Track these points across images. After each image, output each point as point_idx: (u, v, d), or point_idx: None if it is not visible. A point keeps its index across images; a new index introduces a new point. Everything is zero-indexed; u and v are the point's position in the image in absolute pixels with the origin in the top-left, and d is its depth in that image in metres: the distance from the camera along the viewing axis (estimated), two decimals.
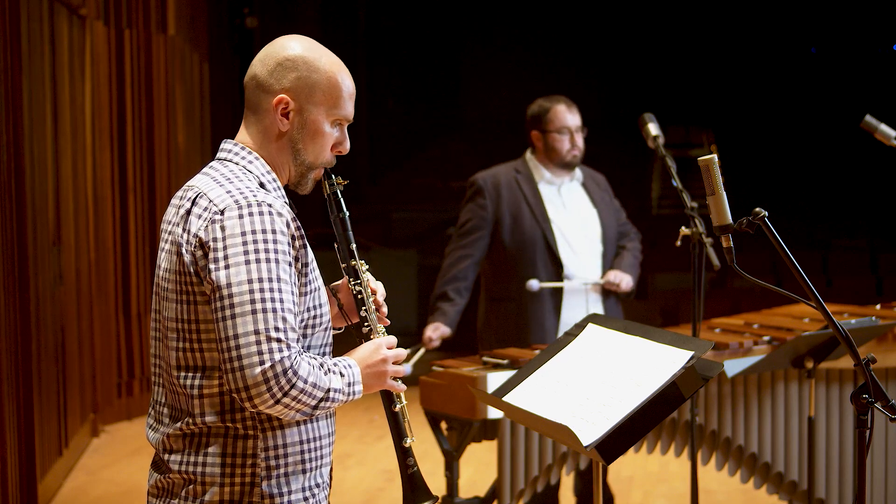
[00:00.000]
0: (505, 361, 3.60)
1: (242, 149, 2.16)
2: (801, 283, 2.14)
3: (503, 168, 4.35)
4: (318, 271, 2.16)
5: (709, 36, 14.23)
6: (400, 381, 2.24)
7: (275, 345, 1.97)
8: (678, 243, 3.50)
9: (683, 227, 3.44)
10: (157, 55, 7.04)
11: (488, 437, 3.65)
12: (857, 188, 12.80)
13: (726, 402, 3.79)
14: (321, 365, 2.06)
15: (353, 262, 2.25)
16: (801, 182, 13.26)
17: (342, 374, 2.09)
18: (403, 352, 2.23)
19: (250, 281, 1.98)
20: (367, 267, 2.28)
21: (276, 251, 2.01)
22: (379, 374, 2.17)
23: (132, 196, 6.96)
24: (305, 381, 2.00)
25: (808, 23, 14.05)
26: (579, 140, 4.25)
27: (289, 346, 1.99)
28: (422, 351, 4.26)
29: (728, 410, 3.79)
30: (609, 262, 4.31)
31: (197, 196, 2.08)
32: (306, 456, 2.12)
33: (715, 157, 2.19)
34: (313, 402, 2.03)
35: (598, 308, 4.24)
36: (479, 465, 5.56)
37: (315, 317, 2.12)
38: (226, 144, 2.19)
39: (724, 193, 2.19)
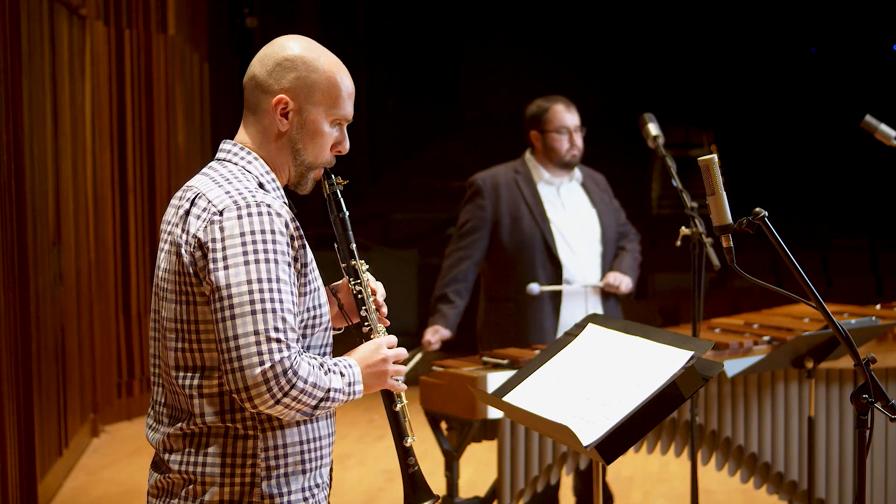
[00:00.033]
0: (505, 361, 3.60)
1: (241, 149, 2.16)
2: (801, 283, 2.14)
3: (502, 168, 4.35)
4: (317, 271, 2.15)
5: (709, 36, 14.23)
6: (401, 381, 2.24)
7: (274, 345, 1.97)
8: (678, 243, 3.50)
9: (683, 227, 3.44)
10: (157, 55, 7.04)
11: (488, 437, 3.65)
12: (857, 188, 12.79)
13: (726, 402, 3.79)
14: (321, 365, 2.06)
15: (353, 262, 2.25)
16: (801, 182, 13.26)
17: (342, 374, 2.09)
18: (404, 351, 2.22)
19: (249, 282, 1.98)
20: (367, 267, 2.28)
21: (275, 251, 2.01)
22: (379, 374, 2.17)
23: (132, 196, 6.96)
24: (305, 381, 2.00)
25: (808, 23, 14.05)
26: (578, 140, 4.25)
27: (288, 347, 1.99)
28: (419, 356, 4.27)
29: (728, 410, 3.79)
30: (608, 263, 4.31)
31: (196, 196, 2.08)
32: (306, 456, 2.12)
33: (715, 157, 2.19)
34: (313, 402, 2.03)
35: (597, 308, 4.24)
36: (479, 465, 5.56)
37: (315, 317, 2.12)
38: (225, 145, 2.19)
39: (724, 193, 2.19)
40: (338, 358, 2.14)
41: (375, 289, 2.29)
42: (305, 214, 2.19)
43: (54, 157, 5.73)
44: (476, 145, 13.25)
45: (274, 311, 1.98)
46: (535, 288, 4.14)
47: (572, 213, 4.29)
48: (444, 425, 3.75)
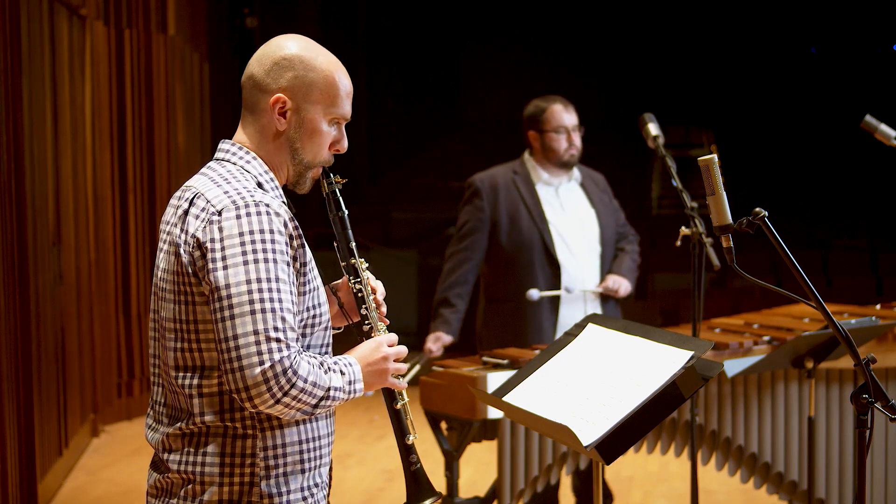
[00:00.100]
0: (505, 361, 3.60)
1: (240, 149, 2.16)
2: (801, 283, 2.14)
3: (501, 169, 4.35)
4: (316, 271, 2.15)
5: (709, 36, 14.22)
6: (401, 379, 2.24)
7: (274, 345, 1.97)
8: (678, 243, 3.50)
9: (683, 227, 3.43)
10: (157, 55, 7.04)
11: (488, 437, 3.65)
12: (857, 188, 12.79)
13: (726, 402, 3.79)
14: (321, 364, 2.06)
15: (353, 261, 2.25)
16: (801, 182, 13.26)
17: (342, 373, 2.09)
18: (404, 349, 2.22)
19: (248, 281, 1.98)
20: (366, 265, 2.28)
21: (274, 251, 2.01)
22: (380, 372, 2.17)
23: (132, 196, 6.96)
24: (305, 381, 2.00)
25: (808, 23, 14.04)
26: (576, 139, 4.25)
27: (288, 346, 1.98)
28: (418, 366, 4.27)
29: (728, 410, 3.79)
30: (607, 264, 4.30)
31: (194, 196, 2.08)
32: (305, 456, 2.12)
33: (715, 157, 2.19)
34: (314, 402, 2.03)
35: (596, 309, 4.24)
36: (479, 465, 5.56)
37: (314, 316, 2.12)
38: (223, 145, 2.19)
39: (724, 193, 2.19)
40: (338, 356, 2.14)
41: (375, 287, 2.29)
42: (305, 214, 2.19)
43: (54, 157, 5.73)
44: (476, 145, 13.25)
45: (273, 310, 1.98)
46: (534, 294, 4.13)
47: (571, 214, 4.29)
48: (444, 425, 3.75)
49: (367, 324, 2.24)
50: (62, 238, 5.85)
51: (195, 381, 2.06)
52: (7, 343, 4.59)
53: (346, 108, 2.19)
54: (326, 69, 2.16)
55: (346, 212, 2.26)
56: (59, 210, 5.81)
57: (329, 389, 2.05)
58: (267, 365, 1.96)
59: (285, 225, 2.05)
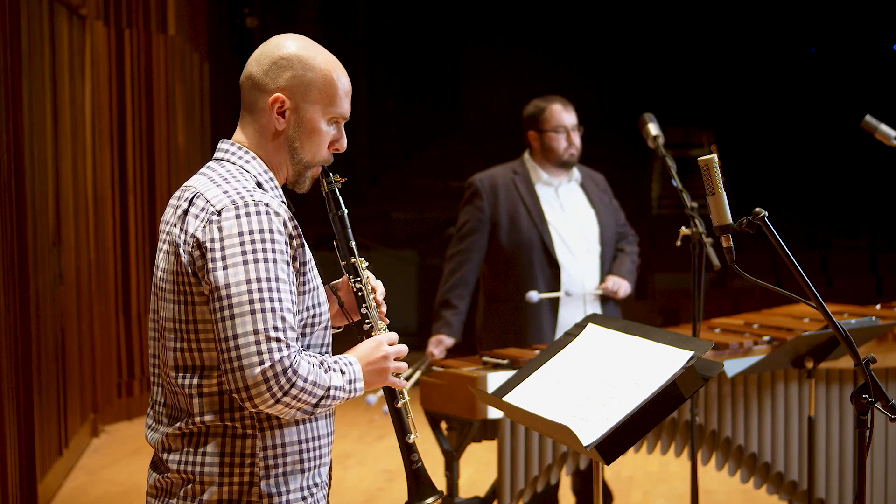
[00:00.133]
0: (505, 361, 3.60)
1: (239, 148, 2.16)
2: (801, 283, 2.14)
3: (501, 169, 4.34)
4: (316, 270, 2.15)
5: (708, 36, 14.23)
6: (402, 378, 2.23)
7: (274, 344, 1.97)
8: (678, 243, 3.50)
9: (683, 227, 3.43)
10: (157, 55, 7.04)
11: (488, 437, 3.65)
12: (857, 188, 12.80)
13: (726, 402, 3.79)
14: (321, 363, 2.06)
15: (353, 260, 2.25)
16: (801, 182, 13.26)
17: (343, 372, 2.09)
18: (405, 348, 2.22)
19: (248, 281, 1.98)
20: (366, 264, 2.28)
21: (273, 251, 2.01)
22: (380, 371, 2.17)
23: (132, 196, 6.96)
24: (305, 380, 2.00)
25: (808, 23, 14.05)
26: (576, 138, 4.25)
27: (288, 346, 1.98)
28: (417, 374, 4.26)
29: (728, 410, 3.79)
30: (607, 263, 4.30)
31: (194, 196, 2.08)
32: (305, 455, 2.12)
33: (715, 157, 2.19)
34: (314, 401, 2.03)
35: (596, 309, 4.24)
36: (479, 465, 5.56)
37: (314, 315, 2.12)
38: (223, 144, 2.19)
39: (724, 193, 2.19)
40: (338, 356, 2.14)
41: (375, 286, 2.29)
42: (304, 213, 2.19)
43: (54, 157, 5.73)
44: (476, 145, 13.26)
45: (273, 310, 1.98)
46: (534, 296, 4.13)
47: (570, 214, 4.29)
48: (444, 425, 3.75)
49: (368, 323, 2.24)
50: (62, 238, 5.85)
51: (195, 381, 2.06)
52: (7, 343, 4.59)
53: (345, 107, 2.19)
54: (325, 68, 2.15)
55: (346, 211, 2.26)
56: (59, 210, 5.81)
57: (329, 389, 2.05)
58: (267, 364, 1.96)
59: (285, 224, 2.04)
